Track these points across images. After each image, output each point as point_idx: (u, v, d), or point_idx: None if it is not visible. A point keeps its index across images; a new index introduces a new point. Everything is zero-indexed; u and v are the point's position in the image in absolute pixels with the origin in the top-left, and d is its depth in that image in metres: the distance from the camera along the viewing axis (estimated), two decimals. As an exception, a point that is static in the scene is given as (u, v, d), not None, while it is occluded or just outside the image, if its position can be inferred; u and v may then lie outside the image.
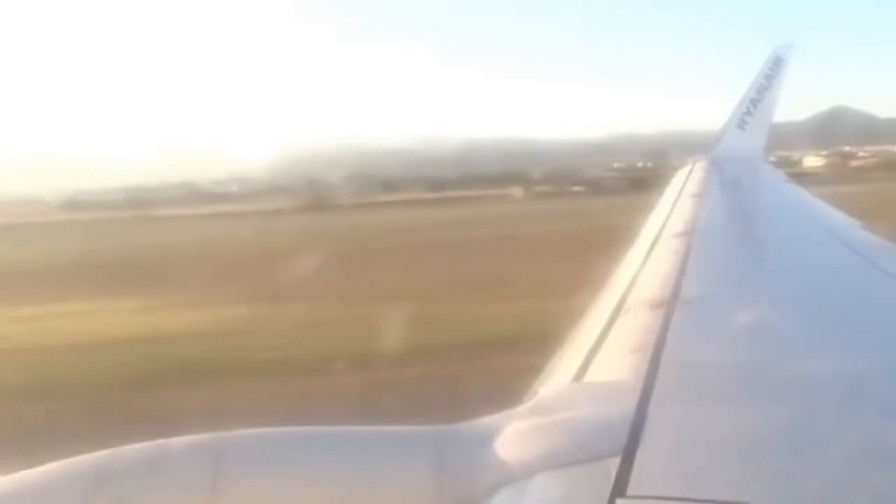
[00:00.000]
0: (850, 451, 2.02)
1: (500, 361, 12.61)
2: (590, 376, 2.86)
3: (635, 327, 3.38)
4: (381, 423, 2.38)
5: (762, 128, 16.70)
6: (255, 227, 48.25)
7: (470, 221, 46.33)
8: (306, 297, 22.85)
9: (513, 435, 2.22)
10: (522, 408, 2.50)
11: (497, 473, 2.07)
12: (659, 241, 6.25)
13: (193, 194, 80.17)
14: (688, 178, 12.67)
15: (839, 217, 7.55)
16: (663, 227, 7.14)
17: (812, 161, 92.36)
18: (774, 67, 16.61)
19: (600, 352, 3.14)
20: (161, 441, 2.18)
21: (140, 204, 70.16)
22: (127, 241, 43.09)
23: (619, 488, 1.84)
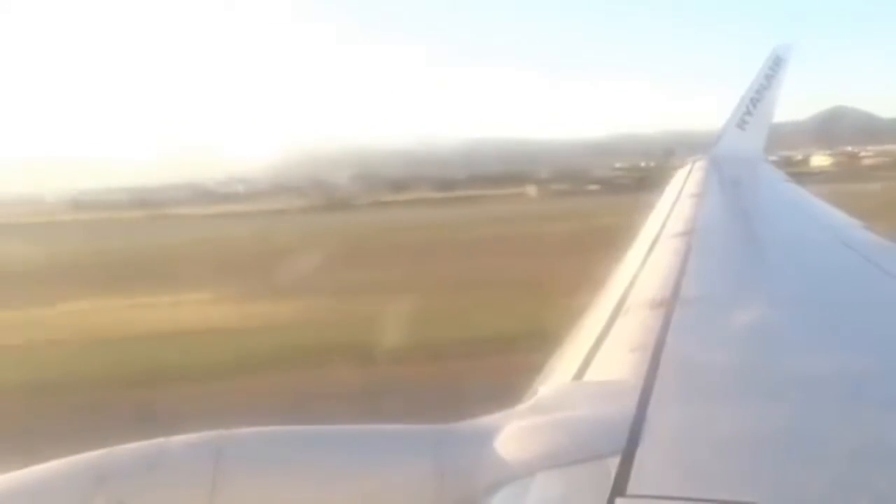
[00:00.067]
0: (849, 451, 2.03)
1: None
2: (590, 376, 2.86)
3: (635, 327, 3.38)
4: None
5: (762, 127, 16.71)
6: (273, 227, 48.09)
7: (500, 219, 45.29)
8: (367, 291, 23.22)
9: (513, 434, 2.22)
10: (522, 407, 2.50)
11: (497, 472, 2.07)
12: (659, 241, 6.25)
13: (199, 194, 79.84)
14: (687, 177, 12.67)
15: (839, 216, 7.54)
16: (663, 226, 7.14)
17: (820, 160, 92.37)
18: (774, 67, 16.62)
19: (600, 351, 3.14)
20: (160, 440, 2.18)
21: (147, 204, 69.94)
22: (153, 240, 42.91)
23: (619, 487, 1.84)
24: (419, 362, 15.62)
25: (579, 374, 2.90)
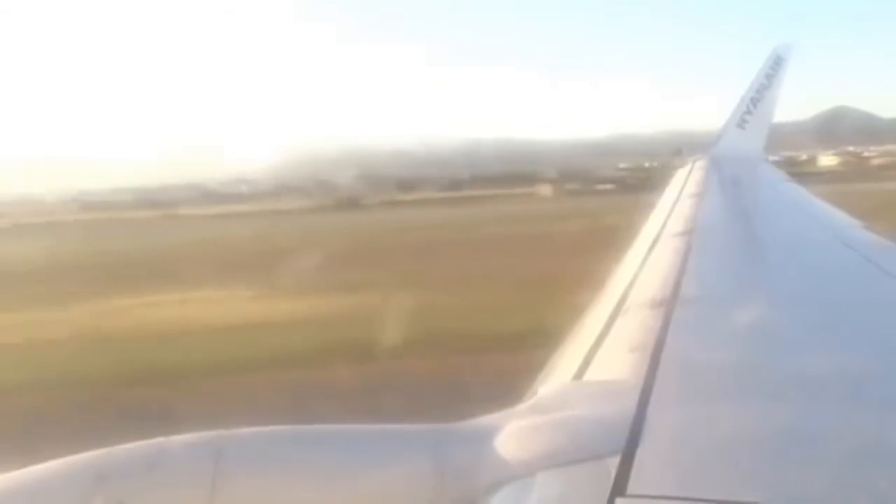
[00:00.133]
0: (849, 451, 2.02)
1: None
2: (589, 375, 2.86)
3: (635, 327, 3.38)
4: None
5: (762, 127, 16.71)
6: (289, 226, 48.33)
7: (530, 217, 44.78)
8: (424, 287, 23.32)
9: (513, 434, 2.22)
10: (522, 406, 2.50)
11: (497, 472, 2.07)
12: (659, 241, 6.24)
13: (203, 195, 79.77)
14: (688, 177, 12.67)
15: (839, 216, 7.54)
16: (663, 226, 7.13)
17: (828, 160, 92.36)
18: (774, 67, 16.63)
19: (600, 351, 3.14)
20: (160, 439, 2.18)
21: (154, 204, 69.91)
22: (173, 240, 42.97)
23: (619, 487, 1.84)
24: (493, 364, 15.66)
25: (579, 374, 2.90)
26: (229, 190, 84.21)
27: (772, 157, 20.50)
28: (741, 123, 16.57)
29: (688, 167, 14.34)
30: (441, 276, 25.58)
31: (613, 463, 1.95)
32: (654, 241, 6.25)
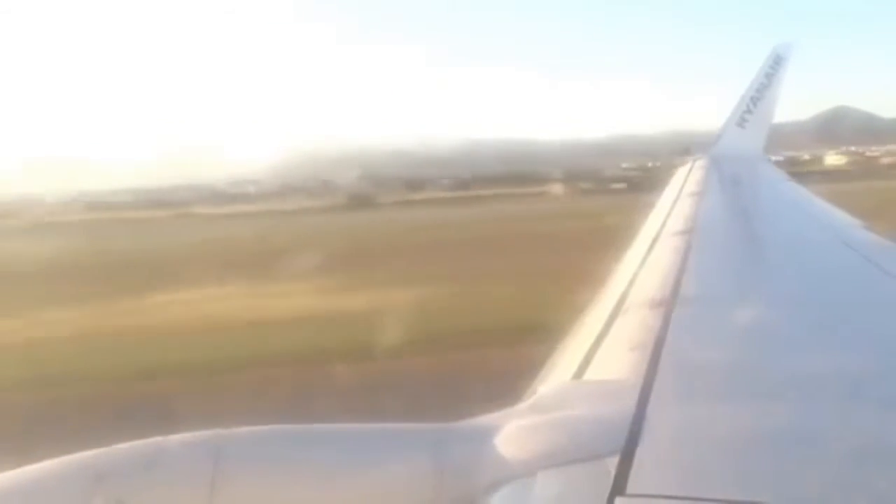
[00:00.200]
0: (849, 450, 2.02)
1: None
2: (589, 375, 2.86)
3: (635, 326, 3.38)
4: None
5: (762, 126, 16.70)
6: (307, 225, 48.49)
7: (557, 215, 44.14)
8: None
9: (512, 433, 2.22)
10: (522, 406, 2.50)
11: (496, 471, 2.06)
12: (659, 240, 6.24)
13: (210, 195, 79.72)
14: (688, 176, 12.66)
15: (839, 216, 7.53)
16: (663, 225, 7.13)
17: (834, 160, 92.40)
18: (774, 66, 16.61)
19: (600, 350, 3.14)
20: (159, 438, 2.17)
21: (160, 205, 69.82)
22: (196, 239, 42.78)
23: (619, 487, 1.84)
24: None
25: (579, 374, 2.89)
26: (234, 190, 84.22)
27: (774, 157, 20.49)
28: (741, 122, 16.56)
29: (688, 166, 14.34)
30: (503, 270, 25.67)
31: (613, 462, 1.95)
32: (654, 241, 6.25)
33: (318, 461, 2.16)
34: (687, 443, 2.15)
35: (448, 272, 25.68)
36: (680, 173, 13.66)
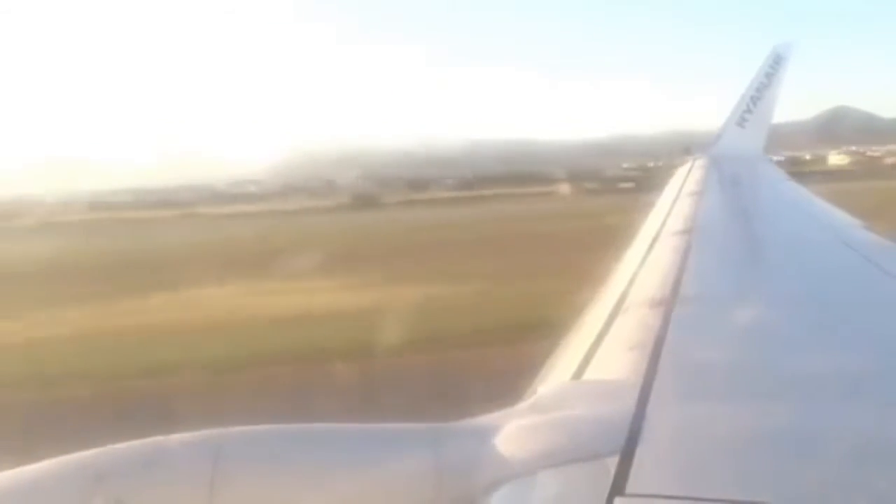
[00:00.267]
0: (848, 450, 2.02)
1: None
2: (589, 374, 2.86)
3: (634, 326, 3.38)
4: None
5: (762, 126, 16.69)
6: (326, 224, 48.79)
7: (578, 214, 43.72)
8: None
9: (512, 433, 2.22)
10: (522, 406, 2.50)
11: (496, 471, 2.06)
12: (658, 240, 6.23)
13: (213, 195, 79.95)
14: (687, 175, 12.65)
15: (839, 216, 7.52)
16: (663, 225, 7.12)
17: (838, 159, 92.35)
18: (774, 65, 16.60)
19: (599, 350, 3.14)
20: (159, 438, 2.17)
21: (164, 205, 69.97)
22: (217, 236, 43.49)
23: (618, 486, 1.84)
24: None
25: (578, 373, 2.89)
26: (236, 190, 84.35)
27: (776, 158, 20.45)
28: (741, 122, 16.55)
29: (687, 165, 14.33)
30: (545, 268, 25.54)
31: (612, 462, 1.95)
32: (654, 240, 6.24)
33: (318, 461, 2.16)
34: (686, 443, 2.15)
35: (496, 270, 25.98)
36: (680, 173, 13.65)
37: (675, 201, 9.23)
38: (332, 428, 2.34)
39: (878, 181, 54.10)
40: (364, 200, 67.40)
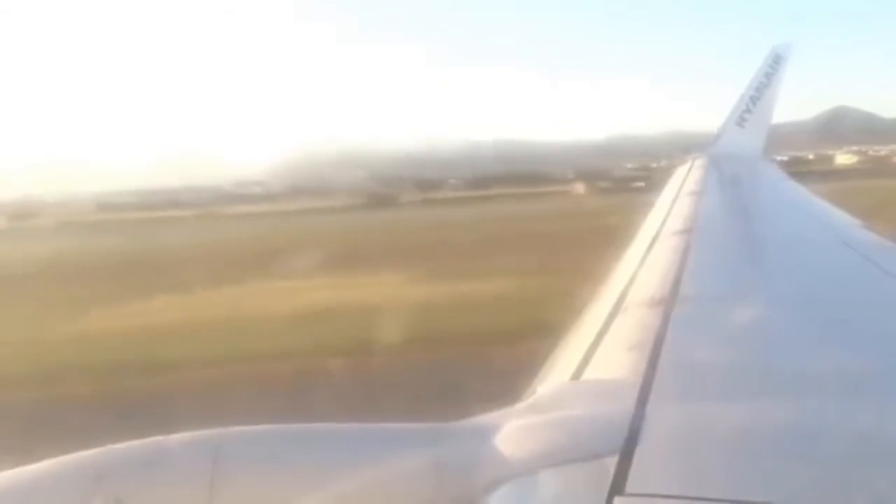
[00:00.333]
0: (848, 450, 2.02)
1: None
2: (588, 374, 2.86)
3: (634, 325, 3.38)
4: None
5: (762, 125, 16.68)
6: (347, 223, 49.13)
7: (603, 212, 44.26)
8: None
9: (511, 433, 2.22)
10: (521, 406, 2.50)
11: (495, 471, 2.06)
12: (658, 239, 6.23)
13: (217, 196, 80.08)
14: (687, 175, 12.66)
15: (839, 216, 7.52)
16: (662, 224, 7.12)
17: (844, 158, 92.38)
18: (774, 65, 16.59)
19: (599, 350, 3.14)
20: (158, 438, 2.18)
21: (166, 206, 70.21)
22: (244, 237, 43.56)
23: (618, 486, 1.84)
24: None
25: (578, 373, 2.89)
26: (239, 191, 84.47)
27: (778, 157, 20.44)
28: (741, 122, 16.54)
29: (687, 165, 14.34)
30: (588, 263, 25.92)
31: (612, 462, 1.95)
32: (653, 240, 6.24)
33: (318, 461, 2.16)
34: (686, 442, 2.15)
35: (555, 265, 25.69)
36: (679, 173, 13.65)
37: (674, 201, 9.23)
38: (332, 428, 2.34)
39: (888, 180, 54.08)
40: (379, 200, 67.49)
